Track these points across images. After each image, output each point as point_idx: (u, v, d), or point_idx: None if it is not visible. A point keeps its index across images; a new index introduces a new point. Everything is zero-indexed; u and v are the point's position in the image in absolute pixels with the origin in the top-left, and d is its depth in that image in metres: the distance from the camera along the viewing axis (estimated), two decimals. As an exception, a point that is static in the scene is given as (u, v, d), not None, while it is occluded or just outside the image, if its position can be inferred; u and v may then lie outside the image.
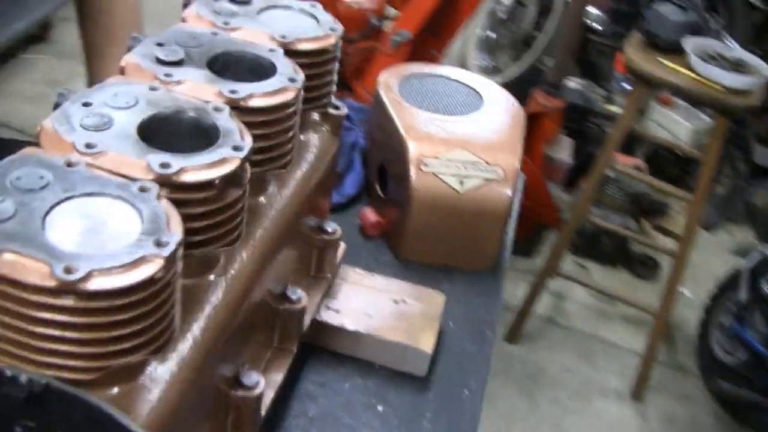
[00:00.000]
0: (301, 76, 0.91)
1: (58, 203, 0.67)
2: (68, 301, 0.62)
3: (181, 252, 0.68)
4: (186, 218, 0.74)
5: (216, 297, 0.83)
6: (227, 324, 0.84)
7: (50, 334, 0.63)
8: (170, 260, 0.65)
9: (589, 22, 3.62)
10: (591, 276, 3.25)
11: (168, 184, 0.73)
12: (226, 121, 0.80)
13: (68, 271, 0.61)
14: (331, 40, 1.00)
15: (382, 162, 1.43)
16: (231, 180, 0.77)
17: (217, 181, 0.75)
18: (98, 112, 0.78)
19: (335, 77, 1.07)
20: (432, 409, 1.12)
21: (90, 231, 0.66)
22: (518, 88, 3.41)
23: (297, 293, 1.04)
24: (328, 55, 1.00)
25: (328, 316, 1.16)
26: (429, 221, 1.33)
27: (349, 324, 1.16)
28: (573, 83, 3.38)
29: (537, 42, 4.03)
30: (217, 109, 0.81)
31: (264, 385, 0.92)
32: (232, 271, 0.87)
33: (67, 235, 0.65)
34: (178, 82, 0.85)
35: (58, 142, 0.74)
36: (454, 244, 1.36)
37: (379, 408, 1.11)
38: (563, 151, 3.24)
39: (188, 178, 0.73)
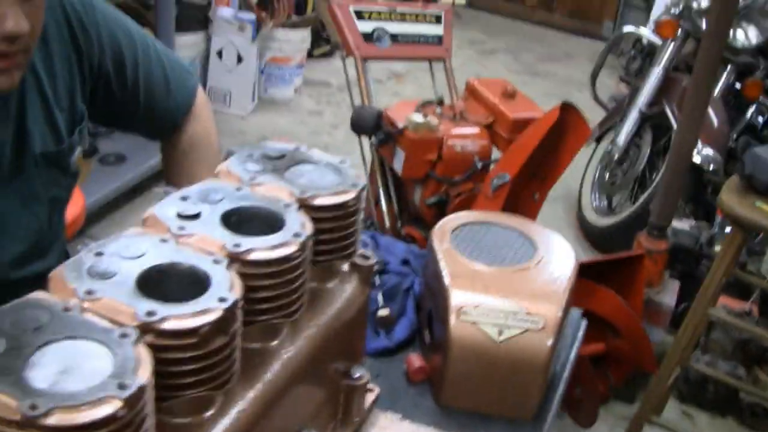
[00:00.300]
0: (307, 230, 0.97)
1: (45, 344, 0.75)
2: (31, 434, 0.69)
3: (147, 395, 0.74)
4: (168, 362, 0.81)
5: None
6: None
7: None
8: (130, 401, 0.71)
9: (700, 162, 3.58)
10: (697, 425, 3.09)
11: (152, 330, 0.80)
12: (220, 273, 0.87)
13: (33, 407, 0.68)
14: (350, 195, 1.07)
15: (431, 309, 1.47)
16: (215, 328, 0.83)
17: (199, 329, 0.81)
18: (107, 261, 0.87)
19: (358, 229, 1.13)
20: None
21: (64, 372, 0.73)
22: (632, 229, 3.39)
23: (311, 435, 1.07)
24: (347, 209, 1.07)
25: (350, 460, 1.19)
26: (467, 369, 1.35)
27: (372, 472, 1.18)
28: (681, 224, 3.32)
29: (651, 183, 4.01)
30: (216, 262, 0.89)
31: None
32: (233, 411, 0.92)
33: (44, 374, 0.72)
34: (189, 235, 0.93)
35: (63, 287, 0.83)
36: (493, 392, 1.37)
37: None
38: (668, 294, 3.15)
39: (169, 325, 0.80)
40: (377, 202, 3.44)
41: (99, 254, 0.88)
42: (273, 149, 1.15)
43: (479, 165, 3.11)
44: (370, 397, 1.27)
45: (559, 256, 1.50)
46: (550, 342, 1.34)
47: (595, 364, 2.94)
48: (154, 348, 0.80)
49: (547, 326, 1.34)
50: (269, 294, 0.95)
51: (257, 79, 5.22)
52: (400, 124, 3.15)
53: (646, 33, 4.35)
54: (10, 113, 1.40)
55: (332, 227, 1.07)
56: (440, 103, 3.29)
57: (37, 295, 0.81)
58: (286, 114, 5.29)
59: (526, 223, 1.60)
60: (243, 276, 0.92)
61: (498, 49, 6.95)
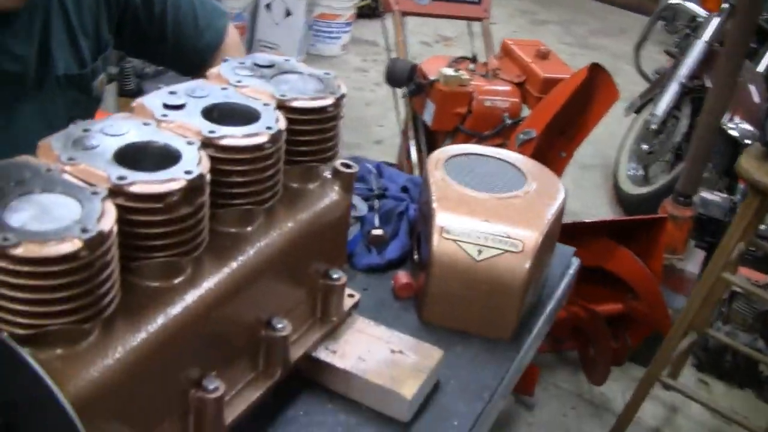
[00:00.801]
0: (280, 125, 1.05)
1: (23, 194, 0.84)
2: (3, 263, 0.78)
3: (108, 243, 0.83)
4: (137, 224, 0.90)
5: (176, 299, 0.97)
6: (185, 325, 0.98)
7: (-6, 291, 0.80)
8: (90, 243, 0.80)
9: (737, 135, 3.56)
10: (712, 393, 3.11)
11: (122, 193, 0.89)
12: (190, 152, 0.96)
13: (4, 239, 0.77)
14: (327, 101, 1.14)
15: (421, 231, 1.54)
16: (180, 197, 0.91)
17: (164, 196, 0.90)
18: (92, 137, 0.95)
19: (337, 135, 1.20)
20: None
21: (38, 216, 0.82)
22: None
23: (282, 323, 1.16)
24: (323, 114, 1.14)
25: (324, 355, 1.27)
26: (448, 286, 1.42)
27: (340, 363, 1.26)
28: (711, 195, 3.33)
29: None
30: (189, 143, 0.97)
31: (223, 390, 1.04)
32: (203, 283, 1.01)
33: (19, 216, 0.82)
34: (170, 122, 1.02)
35: (48, 153, 0.92)
36: (472, 311, 1.43)
37: (349, 442, 1.20)
38: (691, 262, 3.17)
39: (137, 189, 0.89)
40: (408, 156, 3.51)
41: (86, 130, 0.97)
42: (264, 59, 1.22)
43: (508, 121, 3.16)
44: (350, 302, 1.35)
45: (547, 190, 1.55)
46: (527, 265, 1.40)
47: (613, 324, 2.99)
48: (123, 209, 0.89)
49: (525, 250, 1.40)
50: (239, 179, 1.03)
51: (305, 33, 5.30)
52: (432, 77, 3.20)
53: (692, 6, 4.31)
54: (34, 32, 1.50)
55: (309, 129, 1.15)
56: (473, 60, 3.34)
57: (24, 157, 0.91)
58: (331, 69, 5.34)
59: (520, 158, 1.66)
60: (216, 160, 1.01)
61: (550, 20, 6.92)
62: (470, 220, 1.43)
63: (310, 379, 1.29)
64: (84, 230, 0.81)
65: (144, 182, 0.89)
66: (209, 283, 1.02)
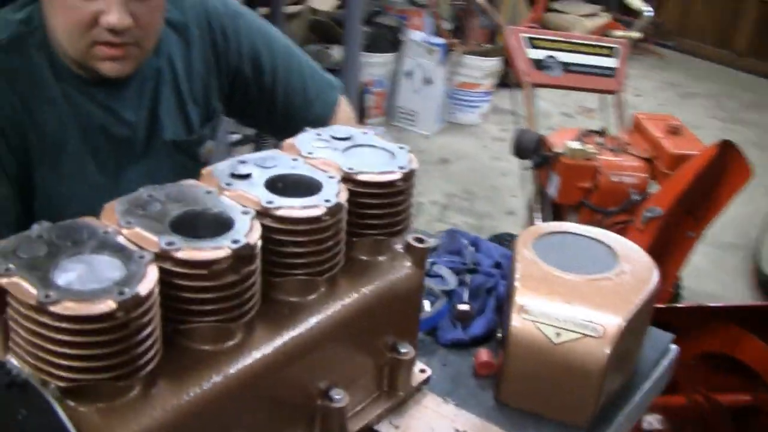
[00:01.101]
0: (340, 198, 1.06)
1: (76, 254, 0.89)
2: (44, 319, 0.82)
3: (146, 305, 0.86)
4: (182, 289, 0.94)
5: (222, 364, 1.00)
6: (230, 390, 1.00)
7: (36, 342, 0.84)
8: (125, 305, 0.84)
9: None
10: None
11: (169, 258, 0.92)
12: (243, 221, 0.98)
13: (47, 296, 0.82)
14: (395, 175, 1.15)
15: (504, 308, 1.51)
16: (225, 264, 0.94)
17: (209, 263, 0.93)
18: (153, 202, 1.00)
19: (407, 210, 1.20)
20: None
21: (84, 275, 0.87)
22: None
23: (340, 394, 1.16)
24: (390, 188, 1.15)
25: (385, 428, 1.26)
26: (525, 367, 1.38)
27: (400, 440, 1.24)
28: None
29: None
30: (244, 213, 1.00)
31: (267, 460, 1.05)
32: (251, 349, 1.03)
33: (67, 275, 0.86)
34: (232, 191, 1.05)
35: (111, 217, 0.97)
36: (548, 394, 1.39)
37: None
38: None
39: (182, 255, 0.92)
40: (533, 228, 3.45)
41: (150, 196, 1.01)
42: (341, 131, 1.25)
43: (635, 197, 3.08)
44: (420, 377, 1.33)
45: (639, 274, 1.49)
46: (607, 350, 1.34)
47: (738, 419, 2.81)
48: (169, 273, 0.92)
49: (606, 335, 1.35)
50: (296, 250, 1.05)
51: (444, 102, 5.36)
52: (557, 150, 3.17)
53: None
54: (144, 99, 1.60)
55: (376, 203, 1.16)
56: (602, 133, 3.28)
57: (87, 219, 0.96)
58: (469, 137, 5.41)
59: (615, 239, 1.60)
60: (273, 230, 1.03)
61: (699, 93, 6.71)
62: (551, 301, 1.39)
63: (372, 453, 1.27)
64: (121, 292, 0.84)
65: (191, 249, 0.92)
66: (259, 351, 1.03)
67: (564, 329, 1.36)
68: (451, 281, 1.64)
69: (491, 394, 1.45)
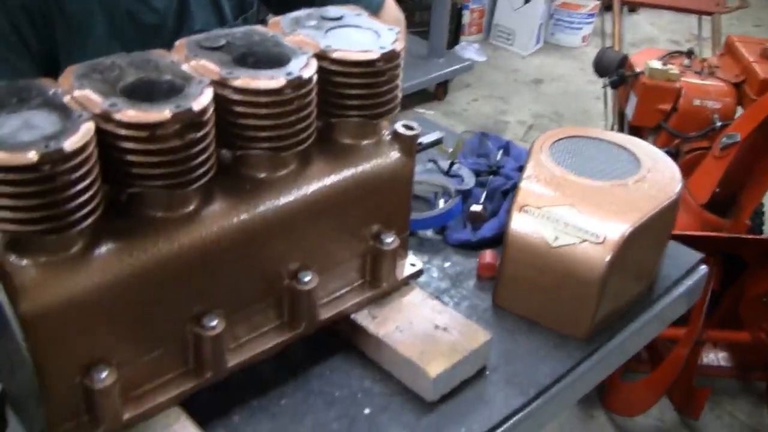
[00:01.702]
0: (303, 72, 1.03)
1: (19, 110, 0.90)
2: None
3: (74, 161, 0.87)
4: (124, 152, 0.94)
5: (171, 230, 1.00)
6: (179, 257, 1.00)
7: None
8: (49, 157, 0.84)
9: None
10: None
11: (110, 119, 0.92)
12: (196, 89, 0.97)
13: (-26, 145, 0.83)
14: (372, 55, 1.11)
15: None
16: (167, 128, 0.93)
17: (151, 125, 0.92)
18: (113, 68, 1.00)
19: (392, 93, 1.16)
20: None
21: (19, 129, 0.87)
22: None
23: (308, 276, 1.15)
24: (368, 68, 1.11)
25: (362, 318, 1.24)
26: (521, 269, 1.34)
27: (374, 330, 1.22)
28: None
29: None
30: (199, 82, 0.98)
31: (221, 329, 1.05)
32: (205, 218, 1.03)
33: (2, 128, 0.87)
34: (197, 61, 1.04)
35: (66, 81, 0.97)
36: (545, 300, 1.34)
37: (366, 411, 1.16)
38: None
39: (122, 117, 0.92)
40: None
41: (113, 62, 1.01)
42: (334, 12, 1.21)
43: (718, 124, 2.91)
44: (409, 270, 1.31)
45: (660, 183, 1.41)
46: (607, 258, 1.27)
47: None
48: (112, 136, 0.92)
49: (607, 242, 1.28)
50: (256, 122, 1.03)
51: (544, 22, 5.19)
52: (638, 69, 3.03)
53: None
54: None
55: (353, 83, 1.12)
56: (689, 54, 3.10)
57: (41, 80, 0.96)
58: (567, 60, 5.23)
59: (645, 147, 1.51)
60: (231, 101, 1.02)
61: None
62: (555, 204, 1.33)
63: (350, 343, 1.26)
64: (46, 146, 0.85)
65: (134, 111, 0.92)
66: (214, 222, 1.03)
67: (564, 233, 1.30)
68: (469, 182, 1.59)
69: (489, 298, 1.41)
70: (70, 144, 0.86)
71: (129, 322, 0.99)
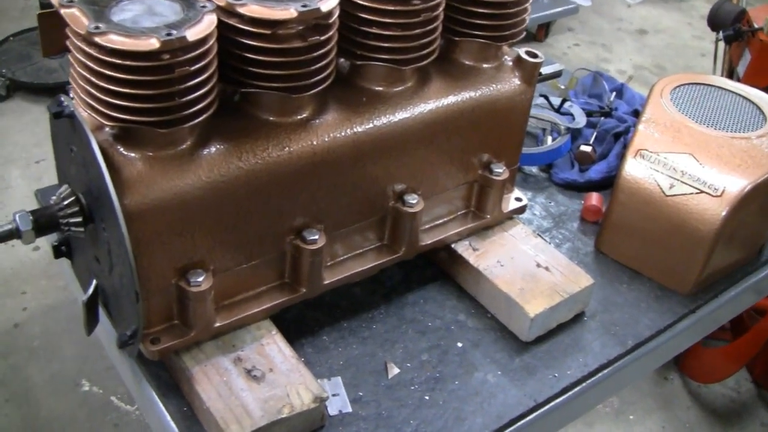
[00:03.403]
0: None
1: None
2: (91, 50, 0.82)
3: (194, 52, 0.83)
4: (246, 48, 0.90)
5: (283, 137, 0.97)
6: (288, 165, 0.97)
7: (84, 75, 0.84)
8: (170, 45, 0.81)
9: None
10: None
11: (234, 14, 0.88)
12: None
13: (96, 28, 0.81)
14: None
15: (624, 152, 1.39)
16: (293, 29, 0.89)
17: (277, 23, 0.88)
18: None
19: (518, 17, 1.10)
20: (496, 371, 1.10)
21: (140, 16, 0.85)
22: None
23: (414, 199, 1.11)
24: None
25: (462, 249, 1.20)
26: (630, 215, 1.28)
27: (475, 261, 1.18)
28: None
29: None
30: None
31: (322, 244, 1.02)
32: (318, 127, 0.99)
33: (124, 14, 0.85)
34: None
35: None
36: (652, 251, 1.28)
37: (458, 344, 1.13)
38: None
39: (245, 11, 0.88)
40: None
41: None
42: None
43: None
44: (514, 204, 1.26)
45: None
46: (723, 212, 1.20)
47: None
48: (233, 30, 0.89)
49: (725, 195, 1.21)
50: (379, 32, 0.99)
51: (654, -30, 4.97)
52: (757, 25, 2.86)
53: None
54: None
55: (479, 1, 1.07)
56: (817, 12, 2.91)
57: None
58: (674, 12, 5.01)
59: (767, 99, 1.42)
60: (356, 6, 0.97)
61: None
62: (673, 151, 1.26)
63: (447, 273, 1.23)
64: (169, 34, 0.81)
65: (259, 6, 0.88)
66: (326, 131, 0.99)
67: (680, 181, 1.23)
68: (580, 121, 1.52)
69: (592, 242, 1.35)
70: (192, 34, 0.83)
71: (230, 227, 0.97)
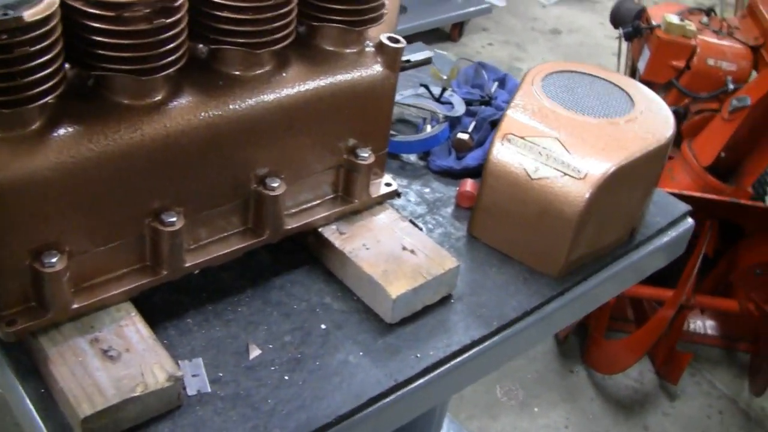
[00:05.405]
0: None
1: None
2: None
3: (33, 33, 0.83)
4: (92, 31, 0.90)
5: (135, 119, 0.97)
6: (141, 147, 0.97)
7: None
8: (6, 25, 0.81)
9: None
10: None
11: None
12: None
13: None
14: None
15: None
16: (138, 11, 0.90)
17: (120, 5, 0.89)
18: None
19: (377, 2, 1.12)
20: (358, 352, 1.12)
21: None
22: None
23: (276, 182, 1.12)
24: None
25: (329, 233, 1.22)
26: (499, 200, 1.31)
27: (340, 245, 1.20)
28: None
29: None
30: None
31: (180, 226, 1.03)
32: (172, 110, 0.99)
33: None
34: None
35: None
36: (520, 234, 1.31)
37: (322, 326, 1.14)
38: None
39: None
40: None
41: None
42: None
43: (731, 86, 2.85)
44: (384, 189, 1.28)
45: (651, 125, 1.37)
46: (586, 194, 1.24)
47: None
48: (79, 13, 0.89)
49: (588, 178, 1.25)
50: (230, 15, 1.00)
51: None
52: (655, 23, 2.96)
53: None
54: None
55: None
56: (709, 12, 3.02)
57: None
58: (588, 12, 5.13)
59: (637, 87, 1.47)
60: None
61: None
62: (539, 135, 1.30)
63: (315, 257, 1.24)
64: (5, 13, 0.81)
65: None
66: (179, 114, 1.00)
67: (545, 165, 1.27)
68: (459, 109, 1.55)
69: (465, 227, 1.38)
70: (30, 14, 0.83)
71: (84, 209, 0.97)
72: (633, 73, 3.21)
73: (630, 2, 3.10)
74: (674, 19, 2.87)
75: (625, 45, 3.27)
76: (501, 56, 4.41)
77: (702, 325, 2.97)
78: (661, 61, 2.91)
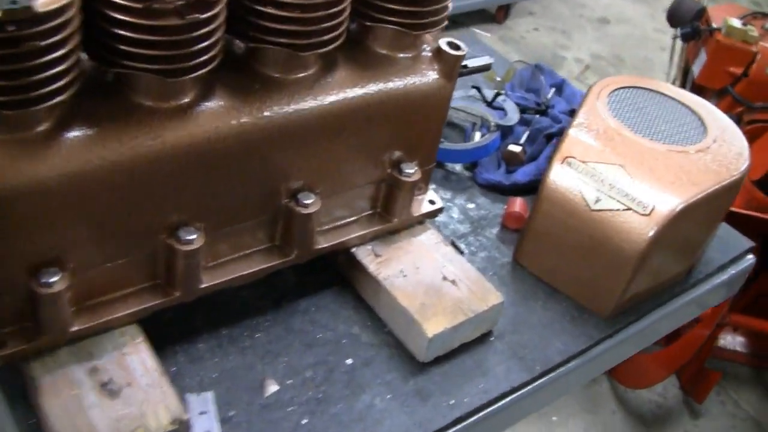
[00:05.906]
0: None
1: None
2: None
3: (44, 25, 0.71)
4: (115, 23, 0.78)
5: (156, 122, 0.85)
6: (165, 153, 0.85)
7: None
8: (13, 16, 0.69)
9: None
10: None
11: None
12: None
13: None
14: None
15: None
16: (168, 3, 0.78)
17: (145, -5, 0.76)
18: None
19: (439, 4, 0.99)
20: (386, 395, 1.00)
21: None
22: None
23: (310, 198, 1.00)
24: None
25: (363, 254, 1.10)
26: (551, 228, 1.19)
27: (375, 270, 1.08)
28: None
29: None
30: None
31: (199, 245, 0.91)
32: (198, 116, 0.87)
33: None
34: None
35: None
36: (572, 267, 1.19)
37: (347, 361, 1.03)
38: None
39: None
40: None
41: None
42: None
43: (797, 98, 2.67)
44: (426, 208, 1.16)
45: (725, 155, 1.24)
46: (651, 232, 1.12)
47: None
48: (102, 3, 0.77)
49: (654, 215, 1.12)
50: (275, 12, 0.87)
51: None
52: (715, 25, 2.79)
53: None
54: None
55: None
56: (774, 18, 2.85)
57: None
58: (638, 3, 4.94)
59: (713, 112, 1.33)
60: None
61: None
62: (602, 160, 1.17)
63: (346, 277, 1.13)
64: (14, 2, 0.69)
65: None
66: (208, 119, 0.88)
67: (607, 195, 1.14)
68: (513, 117, 1.42)
69: (510, 252, 1.26)
70: (41, 4, 0.71)
71: (92, 222, 0.86)
72: (685, 75, 3.06)
73: (690, 0, 2.93)
74: (736, 23, 2.70)
75: (678, 45, 3.10)
76: (546, 42, 4.24)
77: (732, 341, 2.84)
78: (717, 65, 2.75)
